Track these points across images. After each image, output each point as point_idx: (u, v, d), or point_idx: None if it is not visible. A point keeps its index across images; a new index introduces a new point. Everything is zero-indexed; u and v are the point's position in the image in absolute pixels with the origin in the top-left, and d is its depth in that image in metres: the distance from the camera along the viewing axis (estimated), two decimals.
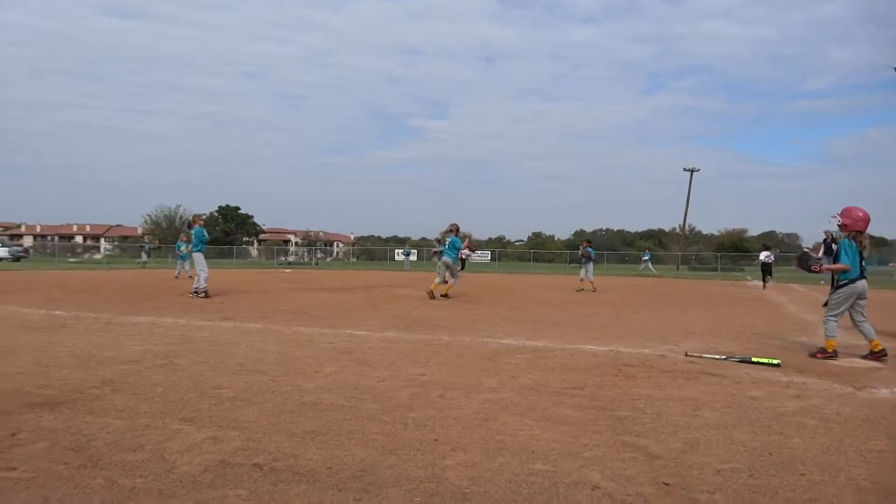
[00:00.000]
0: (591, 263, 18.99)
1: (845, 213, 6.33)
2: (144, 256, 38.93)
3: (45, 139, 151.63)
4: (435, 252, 13.23)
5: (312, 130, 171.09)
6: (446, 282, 14.14)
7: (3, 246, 47.24)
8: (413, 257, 46.38)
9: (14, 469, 2.81)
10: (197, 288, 13.27)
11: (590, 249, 19.13)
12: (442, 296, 13.71)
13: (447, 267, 14.15)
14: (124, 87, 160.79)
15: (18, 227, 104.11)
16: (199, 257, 13.72)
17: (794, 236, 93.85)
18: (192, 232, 14.07)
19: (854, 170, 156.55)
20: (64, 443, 3.20)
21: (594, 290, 17.70)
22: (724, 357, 6.10)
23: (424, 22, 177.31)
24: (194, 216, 14.69)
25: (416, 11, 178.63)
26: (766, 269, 23.59)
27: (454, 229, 14.27)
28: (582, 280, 18.62)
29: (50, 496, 2.52)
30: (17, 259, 43.33)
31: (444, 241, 14.53)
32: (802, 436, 3.52)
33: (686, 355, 6.21)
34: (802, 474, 2.89)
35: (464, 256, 17.91)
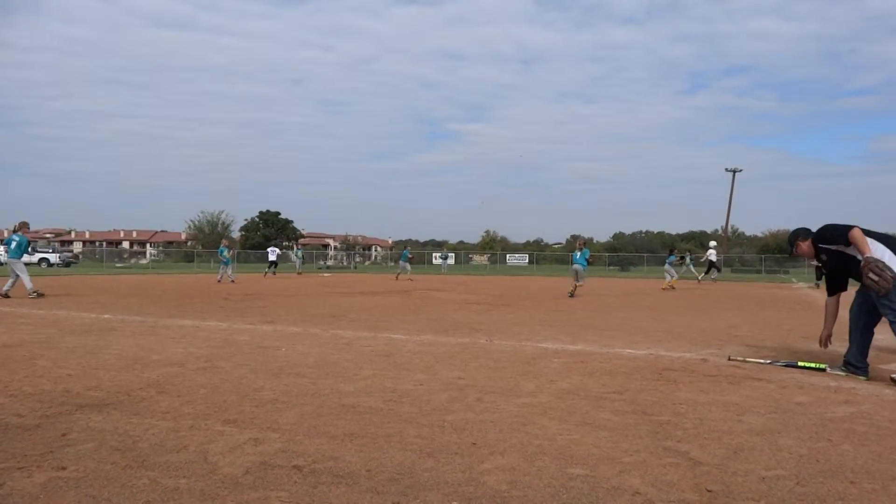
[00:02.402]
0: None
1: None
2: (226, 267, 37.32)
3: (94, 147, 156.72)
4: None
5: (353, 136, 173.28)
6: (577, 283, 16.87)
7: (54, 252, 48.77)
8: (451, 261, 46.45)
9: (64, 468, 2.90)
10: (6, 291, 13.40)
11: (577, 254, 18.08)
12: (570, 295, 16.35)
13: (577, 273, 16.97)
14: (172, 97, 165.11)
15: (68, 233, 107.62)
16: (18, 263, 13.82)
17: None
18: (15, 238, 14.11)
19: None
20: (111, 443, 3.29)
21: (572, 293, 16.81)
22: (768, 361, 5.96)
23: (463, 26, 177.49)
24: (20, 223, 14.54)
25: (455, 16, 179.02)
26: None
27: (584, 244, 18.15)
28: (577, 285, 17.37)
29: (98, 495, 2.58)
30: (67, 265, 44.74)
31: (579, 251, 17.56)
32: (852, 443, 3.41)
33: (729, 359, 6.08)
34: (852, 482, 2.80)
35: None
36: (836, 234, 5.36)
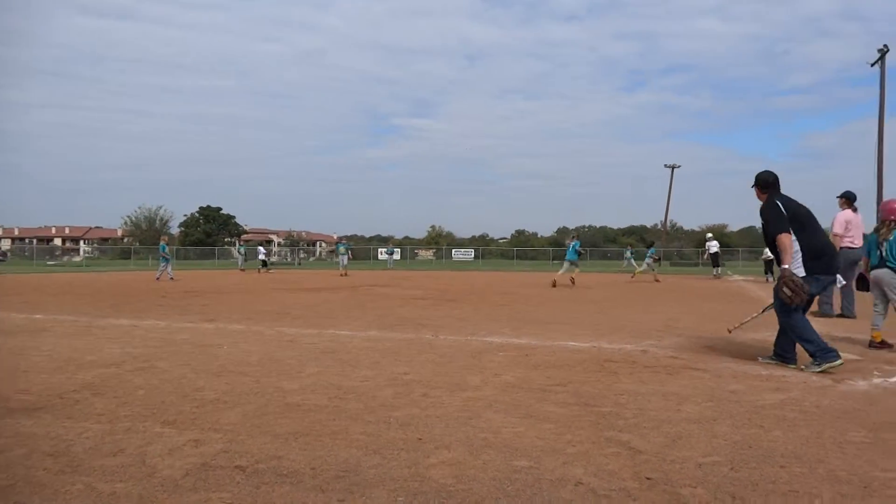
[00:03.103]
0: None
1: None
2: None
3: (24, 140, 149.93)
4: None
5: (298, 130, 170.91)
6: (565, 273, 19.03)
7: None
8: (396, 256, 46.31)
9: None
10: None
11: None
12: (570, 283, 18.77)
13: (571, 264, 19.19)
14: (109, 88, 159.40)
15: None
16: None
17: None
18: None
19: (834, 164, 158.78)
20: (43, 448, 3.16)
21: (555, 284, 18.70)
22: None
23: (409, 20, 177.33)
24: None
25: (402, 10, 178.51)
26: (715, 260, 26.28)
27: (575, 236, 20.35)
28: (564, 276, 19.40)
29: (28, 503, 2.48)
30: None
31: (569, 244, 19.56)
32: (782, 428, 3.56)
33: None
34: (782, 466, 2.92)
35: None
36: (773, 219, 5.45)
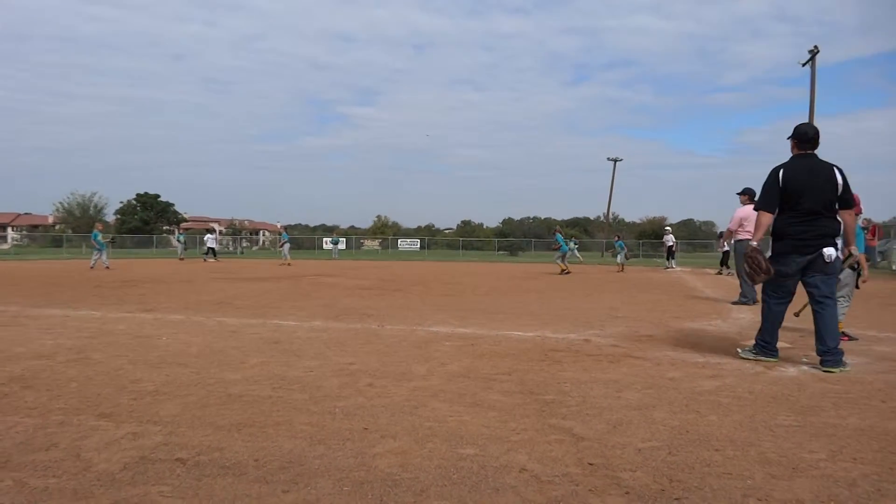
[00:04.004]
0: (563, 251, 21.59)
1: None
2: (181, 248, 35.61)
3: None
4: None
5: (239, 117, 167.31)
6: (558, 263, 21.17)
7: None
8: (342, 246, 45.90)
9: None
10: None
11: (557, 237, 22.29)
12: (565, 273, 20.70)
13: (562, 256, 21.22)
14: (35, 68, 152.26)
15: None
16: None
17: (711, 223, 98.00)
18: None
19: (764, 159, 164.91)
20: None
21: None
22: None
23: (354, 8, 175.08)
24: None
25: None
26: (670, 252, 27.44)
27: (556, 230, 23.45)
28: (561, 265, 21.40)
29: None
30: None
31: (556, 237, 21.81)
32: (717, 413, 3.69)
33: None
34: (717, 450, 3.03)
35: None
36: (762, 189, 5.28)
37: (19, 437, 3.14)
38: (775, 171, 5.17)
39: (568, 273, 20.85)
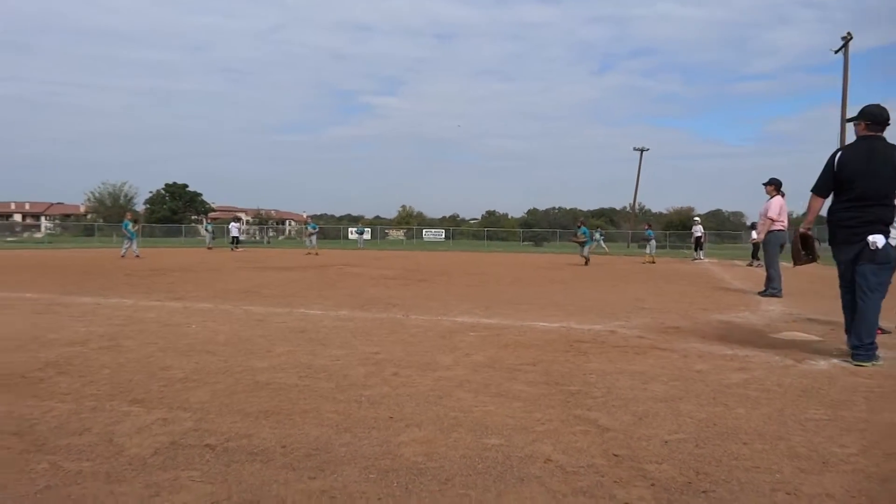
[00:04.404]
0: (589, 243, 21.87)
1: None
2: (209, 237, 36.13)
3: None
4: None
5: (264, 108, 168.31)
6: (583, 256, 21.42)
7: None
8: (367, 236, 46.12)
9: None
10: None
11: (584, 230, 22.03)
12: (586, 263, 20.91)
13: (585, 245, 21.59)
14: (66, 60, 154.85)
15: None
16: None
17: (739, 214, 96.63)
18: None
19: (794, 149, 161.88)
20: (6, 427, 3.10)
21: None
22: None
23: None
24: None
25: None
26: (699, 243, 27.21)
27: (583, 223, 23.21)
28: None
29: None
30: None
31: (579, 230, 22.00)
32: (745, 406, 3.64)
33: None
34: (745, 443, 3.00)
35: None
36: (817, 180, 5.07)
37: (54, 421, 3.22)
38: (833, 155, 4.98)
39: (586, 264, 20.82)
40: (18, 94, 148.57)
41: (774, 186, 10.68)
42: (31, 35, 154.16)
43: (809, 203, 5.14)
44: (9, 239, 48.51)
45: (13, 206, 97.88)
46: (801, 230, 5.22)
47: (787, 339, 6.01)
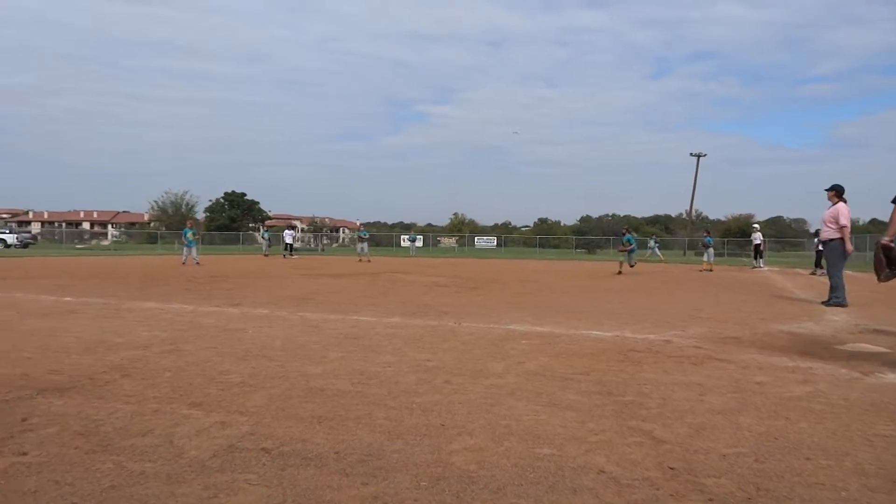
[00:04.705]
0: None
1: None
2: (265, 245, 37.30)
3: (53, 125, 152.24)
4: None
5: (321, 118, 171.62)
6: (630, 264, 20.77)
7: (11, 233, 47.38)
8: (419, 243, 46.41)
9: (25, 454, 2.84)
10: None
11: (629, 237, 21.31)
12: (619, 273, 19.88)
13: (630, 252, 20.77)
14: (133, 74, 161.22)
15: (26, 213, 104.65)
16: None
17: (802, 221, 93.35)
18: None
19: (860, 153, 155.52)
20: (74, 427, 3.23)
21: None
22: None
23: (431, 8, 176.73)
24: None
25: None
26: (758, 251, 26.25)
27: (628, 230, 22.40)
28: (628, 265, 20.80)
29: (60, 480, 2.54)
30: (25, 246, 43.60)
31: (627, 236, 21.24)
32: (809, 421, 3.51)
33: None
34: (808, 459, 2.89)
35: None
36: None
37: (119, 422, 3.34)
38: None
39: (620, 273, 20.02)
40: (91, 109, 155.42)
41: (836, 193, 10.31)
42: (110, 52, 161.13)
43: (892, 214, 4.96)
44: (78, 246, 50.70)
45: (82, 215, 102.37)
46: (885, 242, 4.96)
47: (854, 351, 5.77)
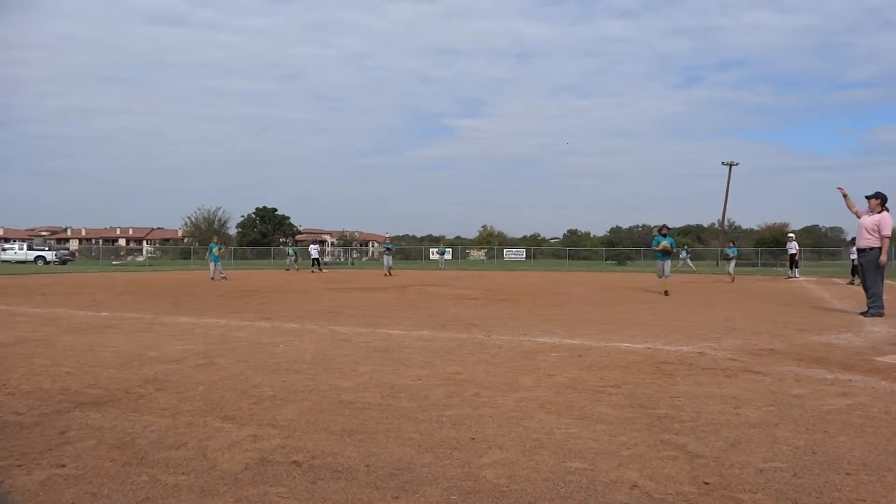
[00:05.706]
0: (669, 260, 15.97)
1: None
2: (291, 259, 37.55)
3: (89, 145, 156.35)
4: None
5: (349, 131, 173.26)
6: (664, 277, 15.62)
7: (50, 250, 48.57)
8: (448, 256, 46.44)
9: (63, 466, 2.90)
10: None
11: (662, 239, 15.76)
12: (666, 293, 15.04)
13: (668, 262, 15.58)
14: (167, 93, 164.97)
15: (65, 231, 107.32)
16: None
17: (838, 230, 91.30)
18: None
19: None
20: (110, 440, 3.29)
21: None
22: None
23: (457, 21, 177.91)
24: None
25: (450, 11, 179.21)
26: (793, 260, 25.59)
27: (660, 230, 15.87)
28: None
29: (97, 492, 2.59)
30: (63, 262, 44.60)
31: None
32: (848, 434, 3.42)
33: None
34: (849, 474, 2.82)
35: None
36: None
37: (153, 435, 3.39)
38: None
39: (667, 294, 15.22)
40: (128, 127, 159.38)
41: (881, 201, 10.04)
42: (140, 71, 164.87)
43: None
44: (114, 262, 51.76)
45: (118, 232, 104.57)
46: None
47: (894, 363, 5.62)
